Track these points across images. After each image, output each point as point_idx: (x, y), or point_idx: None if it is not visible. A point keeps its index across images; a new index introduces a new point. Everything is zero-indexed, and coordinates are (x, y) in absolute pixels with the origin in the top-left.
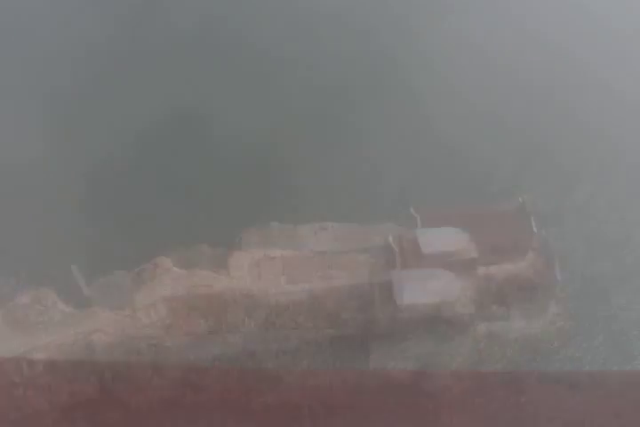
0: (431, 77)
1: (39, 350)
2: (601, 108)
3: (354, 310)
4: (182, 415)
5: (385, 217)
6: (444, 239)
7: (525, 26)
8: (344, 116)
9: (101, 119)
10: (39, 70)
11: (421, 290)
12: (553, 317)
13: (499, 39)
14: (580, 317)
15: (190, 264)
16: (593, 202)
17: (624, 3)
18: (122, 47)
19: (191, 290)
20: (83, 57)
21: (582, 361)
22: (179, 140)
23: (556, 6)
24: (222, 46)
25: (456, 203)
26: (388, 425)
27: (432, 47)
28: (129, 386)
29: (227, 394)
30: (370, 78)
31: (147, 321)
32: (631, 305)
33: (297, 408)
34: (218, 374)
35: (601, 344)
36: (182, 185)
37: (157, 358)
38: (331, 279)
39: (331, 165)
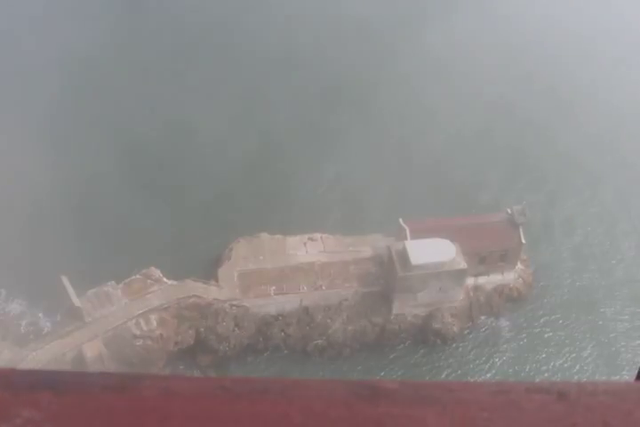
0: (420, 94)
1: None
2: (586, 124)
3: (344, 321)
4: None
5: (374, 228)
6: (432, 250)
7: (512, 47)
8: (332, 128)
9: (91, 135)
10: (26, 85)
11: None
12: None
13: (487, 59)
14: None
15: (180, 275)
16: (580, 215)
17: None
18: (108, 65)
19: (181, 301)
20: (66, 75)
21: (571, 371)
22: (167, 153)
23: (540, 27)
24: (208, 63)
25: (444, 214)
26: None
27: (420, 65)
28: None
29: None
30: (359, 93)
31: (137, 332)
32: (619, 316)
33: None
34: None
35: (589, 355)
36: (172, 197)
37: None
38: (320, 290)
39: (318, 176)
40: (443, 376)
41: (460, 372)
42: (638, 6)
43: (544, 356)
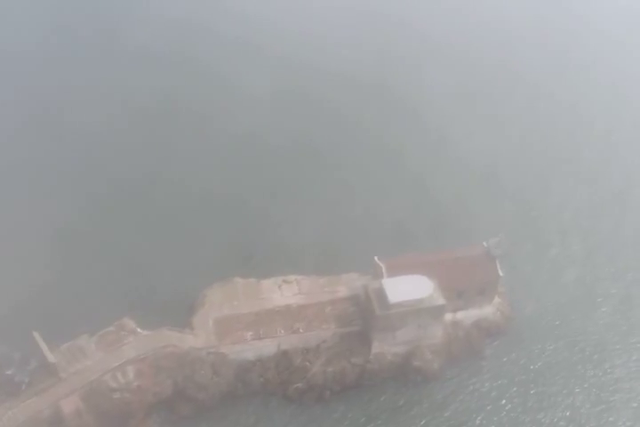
0: (389, 136)
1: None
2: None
3: (323, 363)
4: None
5: (349, 267)
6: (410, 287)
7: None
8: (303, 175)
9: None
10: None
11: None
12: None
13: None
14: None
15: (154, 324)
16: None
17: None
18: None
19: (157, 351)
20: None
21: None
22: (139, 202)
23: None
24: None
25: (420, 250)
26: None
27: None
28: None
29: None
30: (327, 142)
31: (114, 385)
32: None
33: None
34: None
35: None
36: (140, 245)
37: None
38: (298, 332)
39: (289, 218)
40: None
41: (443, 412)
42: None
43: (528, 391)
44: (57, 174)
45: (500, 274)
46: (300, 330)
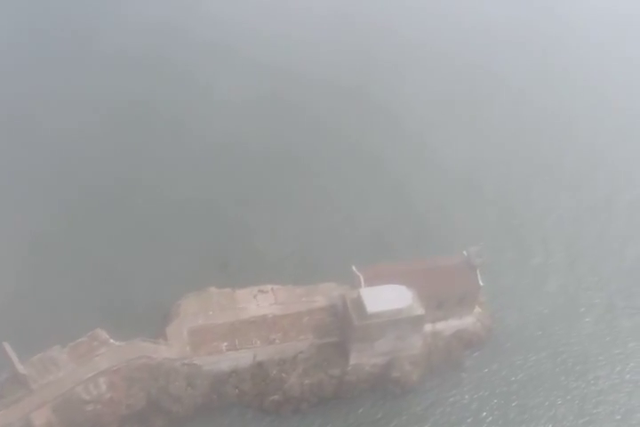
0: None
1: None
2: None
3: (300, 374)
4: None
5: (326, 277)
6: (388, 297)
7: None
8: (283, 187)
9: (34, 192)
10: None
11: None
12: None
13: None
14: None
15: (128, 335)
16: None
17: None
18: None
19: (130, 362)
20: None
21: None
22: (113, 210)
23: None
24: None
25: (399, 259)
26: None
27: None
28: None
29: None
30: (305, 157)
31: (86, 397)
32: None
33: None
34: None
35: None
36: (117, 253)
37: None
38: (274, 343)
39: (269, 227)
40: None
41: (423, 425)
42: None
43: (509, 403)
44: (29, 181)
45: (481, 283)
46: (277, 341)
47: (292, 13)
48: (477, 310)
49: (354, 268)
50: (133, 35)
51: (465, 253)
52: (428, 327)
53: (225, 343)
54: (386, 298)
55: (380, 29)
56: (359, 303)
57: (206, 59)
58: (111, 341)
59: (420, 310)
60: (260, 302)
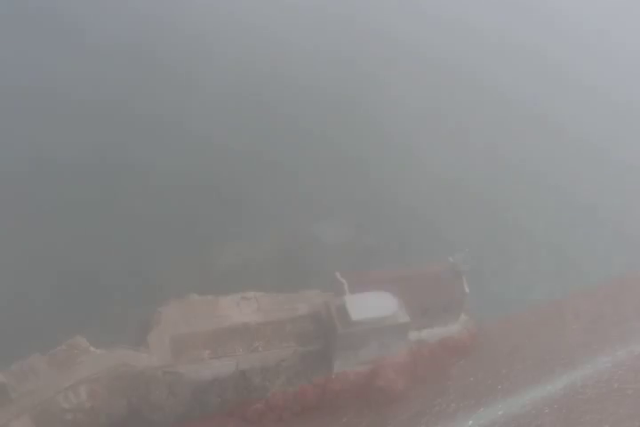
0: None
1: None
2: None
3: (283, 383)
4: None
5: (310, 284)
6: (373, 305)
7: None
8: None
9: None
10: None
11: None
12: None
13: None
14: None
15: (108, 343)
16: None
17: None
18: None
19: (111, 370)
20: None
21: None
22: (92, 213)
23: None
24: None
25: (384, 265)
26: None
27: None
28: None
29: None
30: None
31: (66, 406)
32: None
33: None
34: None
35: None
36: (97, 259)
37: None
38: (257, 351)
39: (252, 233)
40: None
41: None
42: None
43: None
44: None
45: (467, 290)
46: (260, 349)
47: (279, 16)
48: (463, 317)
49: (338, 275)
50: (117, 26)
51: (451, 259)
52: (413, 335)
53: (207, 351)
54: (370, 305)
55: (366, 35)
56: (343, 311)
57: (186, 55)
58: (91, 348)
59: (405, 318)
60: (242, 309)
